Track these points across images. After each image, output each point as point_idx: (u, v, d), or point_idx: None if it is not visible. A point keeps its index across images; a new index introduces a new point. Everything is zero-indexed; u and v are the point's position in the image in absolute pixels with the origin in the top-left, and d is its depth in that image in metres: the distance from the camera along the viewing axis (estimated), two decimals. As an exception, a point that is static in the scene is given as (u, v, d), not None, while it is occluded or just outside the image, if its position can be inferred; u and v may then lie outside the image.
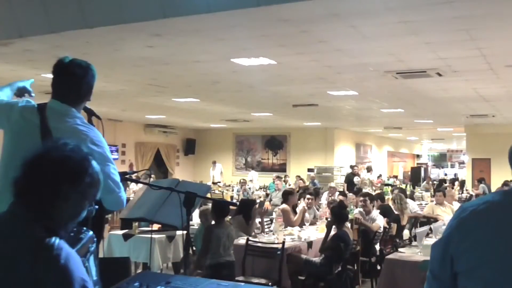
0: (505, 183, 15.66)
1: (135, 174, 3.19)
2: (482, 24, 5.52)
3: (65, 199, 1.56)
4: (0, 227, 1.54)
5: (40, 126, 2.28)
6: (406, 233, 8.46)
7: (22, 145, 2.13)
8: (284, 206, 8.14)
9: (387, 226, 7.80)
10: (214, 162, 20.50)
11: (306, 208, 8.61)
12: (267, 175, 19.88)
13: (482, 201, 1.37)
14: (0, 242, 1.50)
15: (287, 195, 8.38)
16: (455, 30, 5.74)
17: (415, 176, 24.19)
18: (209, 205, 6.22)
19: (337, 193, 11.84)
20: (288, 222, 7.75)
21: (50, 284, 1.44)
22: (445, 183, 19.11)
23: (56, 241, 1.47)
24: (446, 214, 8.97)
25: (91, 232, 1.67)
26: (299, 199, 9.82)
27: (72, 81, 2.42)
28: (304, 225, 8.03)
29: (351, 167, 17.95)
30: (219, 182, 18.96)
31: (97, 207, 1.72)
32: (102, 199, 2.26)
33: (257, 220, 7.25)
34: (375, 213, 7.92)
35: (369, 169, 18.50)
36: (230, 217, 7.30)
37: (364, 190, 12.02)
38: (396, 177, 24.27)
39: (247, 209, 6.92)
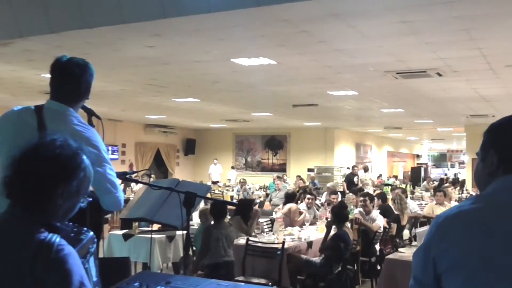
0: None
1: (135, 174, 3.18)
2: (482, 24, 5.52)
3: (60, 197, 1.56)
4: None
5: (38, 127, 2.27)
6: (406, 233, 8.46)
7: (19, 145, 2.13)
8: (293, 205, 8.23)
9: (387, 226, 7.80)
10: (216, 159, 20.56)
11: (307, 207, 8.68)
12: (267, 175, 19.88)
13: (456, 207, 1.47)
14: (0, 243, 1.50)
15: (292, 197, 8.56)
16: (455, 30, 5.73)
17: (415, 176, 24.21)
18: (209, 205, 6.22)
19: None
20: (293, 221, 7.82)
21: (49, 283, 1.44)
22: (445, 182, 19.11)
23: (56, 239, 1.47)
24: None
25: (91, 233, 1.67)
26: (298, 199, 9.85)
27: (70, 80, 2.40)
28: (304, 225, 8.04)
29: (352, 167, 17.99)
30: (218, 182, 18.95)
31: (90, 199, 1.73)
32: (100, 200, 2.26)
33: (256, 219, 7.26)
34: (375, 213, 7.92)
35: (366, 169, 18.50)
36: (229, 217, 7.32)
37: (365, 190, 12.06)
38: (396, 177, 24.30)
39: (245, 209, 6.92)
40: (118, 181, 2.38)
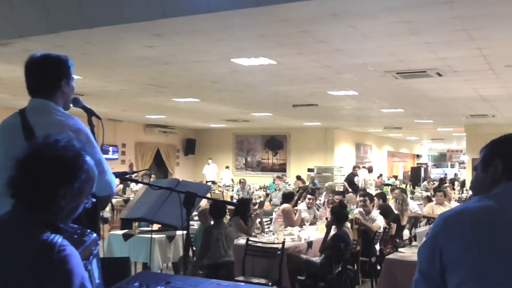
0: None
1: (135, 174, 3.18)
2: (482, 24, 5.52)
3: (63, 198, 1.57)
4: (2, 227, 1.55)
5: (22, 126, 2.29)
6: (406, 233, 8.46)
7: (9, 147, 2.16)
8: (286, 205, 8.14)
9: (387, 226, 7.79)
10: (210, 159, 20.56)
11: (307, 207, 8.64)
12: (267, 175, 19.88)
13: (460, 206, 1.56)
14: (3, 242, 1.51)
15: (291, 196, 8.43)
16: (455, 30, 5.73)
17: (415, 176, 24.20)
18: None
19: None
20: (289, 222, 7.76)
21: (50, 283, 1.44)
22: (445, 182, 19.10)
23: (58, 240, 1.48)
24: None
25: (94, 235, 1.67)
26: (299, 199, 9.81)
27: (38, 74, 2.42)
28: (304, 225, 8.03)
29: (353, 167, 18.00)
30: (217, 182, 18.92)
31: (94, 200, 1.73)
32: None
33: (257, 220, 7.25)
34: (375, 213, 7.91)
35: (370, 170, 18.45)
36: (229, 217, 7.31)
37: (368, 190, 12.08)
38: (396, 177, 24.29)
39: (243, 209, 6.92)
40: (107, 164, 2.37)
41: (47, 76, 2.41)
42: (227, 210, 8.44)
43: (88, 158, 1.64)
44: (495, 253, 1.36)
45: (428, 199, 10.75)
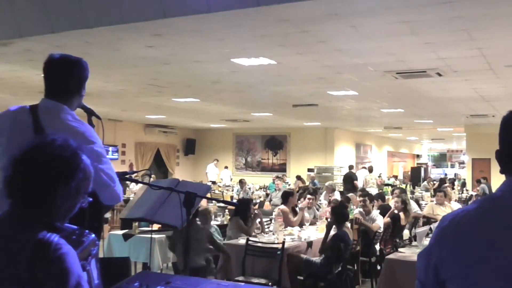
0: (478, 180, 15.80)
1: (135, 174, 3.17)
2: (482, 24, 5.52)
3: (59, 197, 1.56)
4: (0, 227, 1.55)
5: (33, 125, 2.26)
6: (406, 233, 8.45)
7: (14, 146, 2.12)
8: (283, 207, 8.07)
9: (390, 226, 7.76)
10: (217, 160, 20.52)
11: (307, 207, 8.62)
12: (267, 175, 19.88)
13: (461, 210, 1.42)
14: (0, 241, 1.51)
15: (286, 196, 8.29)
16: (455, 30, 5.74)
17: (415, 176, 24.21)
18: (208, 205, 6.20)
19: (337, 192, 11.85)
20: (288, 223, 7.72)
21: (47, 281, 1.44)
22: (445, 182, 19.11)
23: (55, 239, 1.48)
24: (445, 214, 8.93)
25: (93, 235, 1.66)
26: (299, 199, 9.78)
27: (60, 77, 2.39)
28: (304, 225, 8.02)
29: (350, 166, 17.96)
30: (218, 182, 18.91)
31: (90, 199, 1.72)
32: (99, 195, 2.24)
33: (257, 220, 7.24)
34: (375, 213, 7.91)
35: (370, 170, 18.40)
36: (229, 217, 7.31)
37: (368, 189, 12.05)
38: (396, 177, 24.29)
39: (243, 209, 6.90)
40: (115, 174, 2.36)
41: (71, 80, 2.39)
42: (227, 210, 8.42)
43: (84, 157, 1.64)
44: (495, 268, 1.27)
45: (417, 202, 10.70)
